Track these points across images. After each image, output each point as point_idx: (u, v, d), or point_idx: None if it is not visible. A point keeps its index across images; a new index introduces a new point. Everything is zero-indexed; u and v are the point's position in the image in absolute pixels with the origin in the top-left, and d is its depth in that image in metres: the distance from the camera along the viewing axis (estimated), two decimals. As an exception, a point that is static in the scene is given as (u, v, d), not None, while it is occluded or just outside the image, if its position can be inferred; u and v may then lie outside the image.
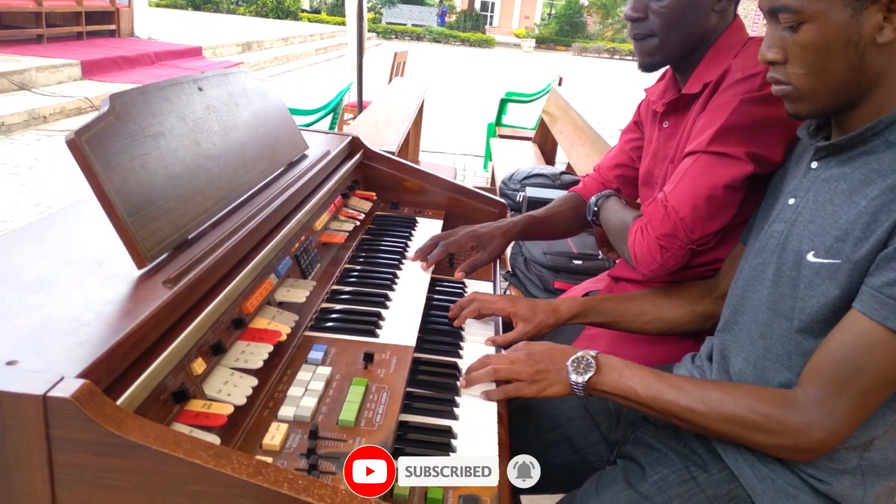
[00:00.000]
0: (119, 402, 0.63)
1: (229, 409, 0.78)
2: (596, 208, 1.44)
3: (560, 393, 1.03)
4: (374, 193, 1.69)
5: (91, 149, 0.81)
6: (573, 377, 1.01)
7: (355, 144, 1.70)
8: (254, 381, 0.86)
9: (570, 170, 3.61)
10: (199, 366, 0.80)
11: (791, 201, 1.00)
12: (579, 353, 1.03)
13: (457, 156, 6.68)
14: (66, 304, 0.75)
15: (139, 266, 0.83)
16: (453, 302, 1.36)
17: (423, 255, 1.42)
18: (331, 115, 4.97)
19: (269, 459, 0.77)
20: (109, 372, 0.64)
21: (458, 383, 1.05)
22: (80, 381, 0.58)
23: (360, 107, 5.07)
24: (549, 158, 4.72)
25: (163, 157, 0.95)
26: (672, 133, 1.39)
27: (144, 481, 0.58)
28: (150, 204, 0.88)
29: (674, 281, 1.31)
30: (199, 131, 1.07)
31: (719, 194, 1.15)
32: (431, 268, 1.41)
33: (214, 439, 0.74)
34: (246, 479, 0.58)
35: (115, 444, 0.57)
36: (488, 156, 5.48)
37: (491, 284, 1.50)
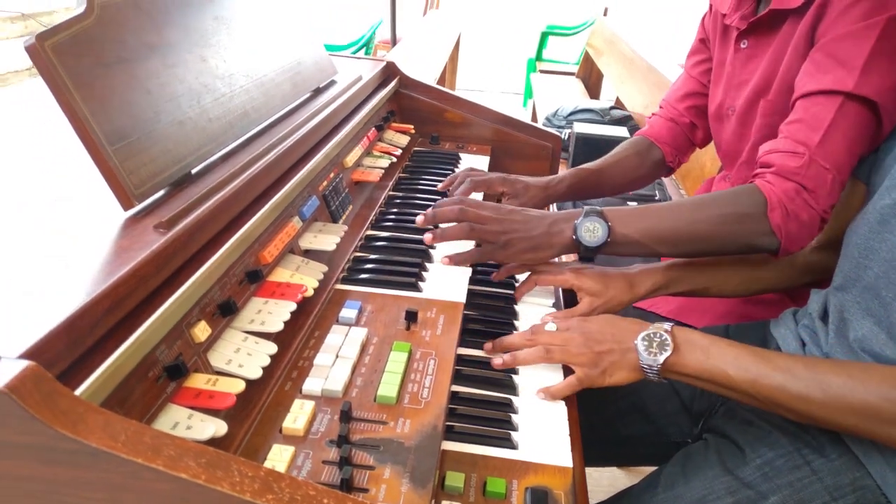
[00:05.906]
0: (82, 388, 0.47)
1: (240, 386, 0.62)
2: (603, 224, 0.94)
3: (629, 379, 0.83)
4: (411, 126, 1.49)
5: (59, 57, 0.63)
6: (645, 358, 0.81)
7: (391, 70, 1.50)
8: (272, 348, 0.70)
9: (619, 104, 3.33)
10: (202, 331, 0.64)
11: None
12: (650, 329, 0.82)
13: (494, 93, 6.36)
14: (15, 256, 0.59)
15: (125, 207, 0.66)
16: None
17: (449, 183, 1.20)
18: (362, 53, 4.71)
19: (292, 448, 0.62)
20: (72, 347, 0.48)
21: (495, 362, 0.84)
22: (22, 364, 0.42)
23: (394, 42, 4.80)
24: (594, 94, 4.41)
25: (157, 73, 0.77)
26: (752, 55, 1.15)
27: (115, 499, 0.43)
28: (140, 130, 0.70)
29: None
30: (205, 45, 0.89)
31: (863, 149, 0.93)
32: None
33: (220, 426, 0.58)
34: (251, 499, 0.41)
35: (71, 451, 0.41)
36: (528, 92, 5.17)
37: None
